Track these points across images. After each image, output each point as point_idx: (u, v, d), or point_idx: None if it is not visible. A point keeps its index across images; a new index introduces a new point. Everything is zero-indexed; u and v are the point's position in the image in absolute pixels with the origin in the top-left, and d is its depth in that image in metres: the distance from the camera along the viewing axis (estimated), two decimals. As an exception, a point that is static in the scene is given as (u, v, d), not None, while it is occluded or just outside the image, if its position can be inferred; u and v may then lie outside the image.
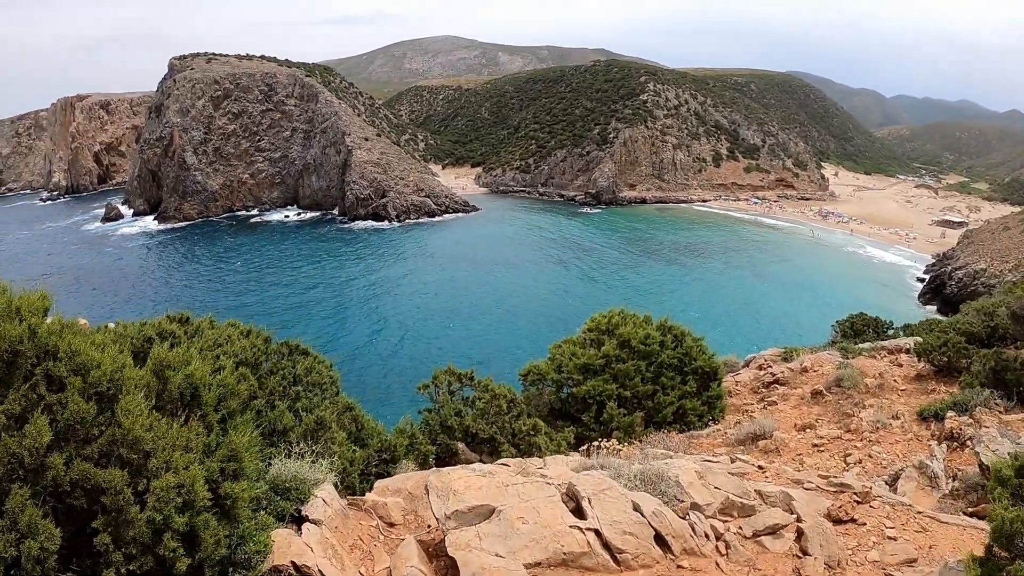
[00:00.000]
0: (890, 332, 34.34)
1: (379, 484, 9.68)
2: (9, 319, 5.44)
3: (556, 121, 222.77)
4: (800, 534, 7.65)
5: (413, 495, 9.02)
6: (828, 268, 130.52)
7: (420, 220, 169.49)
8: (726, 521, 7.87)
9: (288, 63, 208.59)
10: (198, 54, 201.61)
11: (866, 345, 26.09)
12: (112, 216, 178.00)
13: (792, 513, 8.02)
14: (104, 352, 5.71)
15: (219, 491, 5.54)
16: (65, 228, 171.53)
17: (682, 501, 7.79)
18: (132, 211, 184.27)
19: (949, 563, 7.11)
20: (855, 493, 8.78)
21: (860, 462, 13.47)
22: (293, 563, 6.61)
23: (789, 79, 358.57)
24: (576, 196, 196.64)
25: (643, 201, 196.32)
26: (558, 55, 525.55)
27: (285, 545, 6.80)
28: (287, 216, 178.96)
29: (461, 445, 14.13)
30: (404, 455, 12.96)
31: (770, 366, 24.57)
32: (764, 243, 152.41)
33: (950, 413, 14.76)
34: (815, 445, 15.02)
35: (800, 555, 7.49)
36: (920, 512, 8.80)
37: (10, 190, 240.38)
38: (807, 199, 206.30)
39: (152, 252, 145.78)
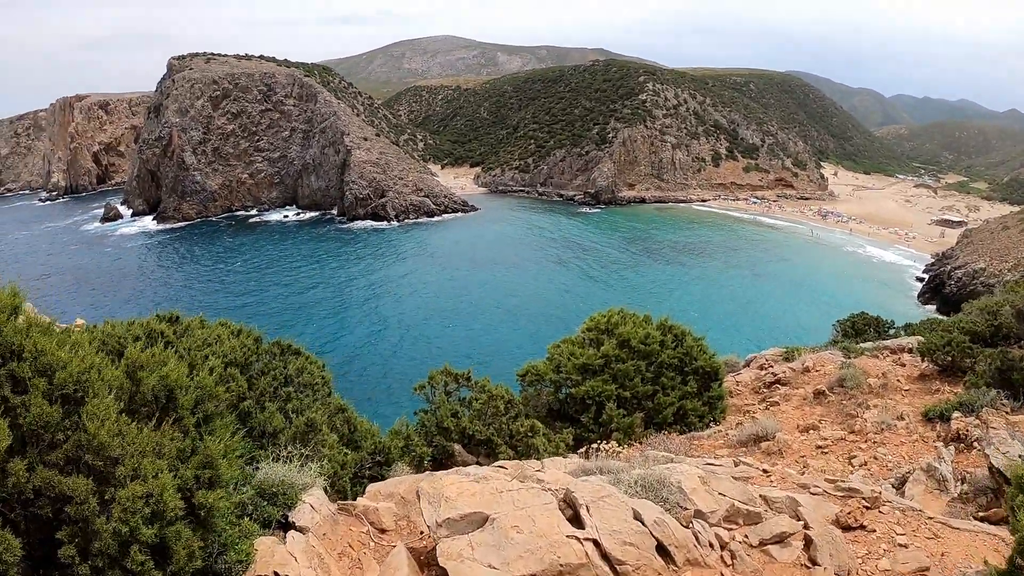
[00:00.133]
0: (891, 332, 34.08)
1: (371, 488, 9.37)
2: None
3: (555, 121, 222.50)
4: (808, 542, 7.29)
5: (406, 500, 8.69)
6: (828, 267, 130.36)
7: (419, 220, 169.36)
8: (731, 529, 7.51)
9: (287, 63, 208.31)
10: (197, 54, 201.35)
11: (868, 345, 25.79)
12: (111, 216, 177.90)
13: (799, 520, 7.67)
14: (75, 352, 5.39)
15: (193, 500, 5.21)
16: (64, 228, 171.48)
17: (685, 508, 7.42)
18: (131, 211, 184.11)
19: (967, 573, 6.78)
20: (864, 498, 8.44)
21: (865, 464, 13.14)
22: (275, 573, 6.30)
23: (788, 79, 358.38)
24: (575, 196, 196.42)
25: (642, 201, 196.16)
26: (557, 55, 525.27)
27: (268, 554, 6.48)
28: (286, 216, 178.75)
29: (458, 447, 13.84)
30: (399, 457, 12.66)
31: (771, 366, 24.27)
32: (763, 243, 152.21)
33: (956, 414, 14.43)
34: (819, 447, 14.69)
35: (809, 565, 7.14)
36: (931, 518, 8.48)
37: (9, 190, 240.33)
38: (806, 199, 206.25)
39: (151, 252, 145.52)
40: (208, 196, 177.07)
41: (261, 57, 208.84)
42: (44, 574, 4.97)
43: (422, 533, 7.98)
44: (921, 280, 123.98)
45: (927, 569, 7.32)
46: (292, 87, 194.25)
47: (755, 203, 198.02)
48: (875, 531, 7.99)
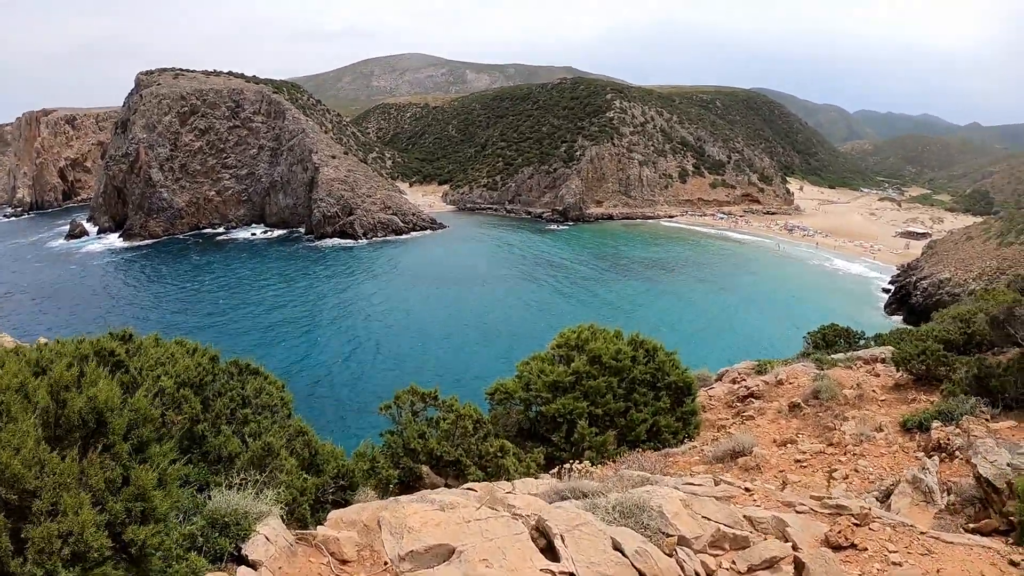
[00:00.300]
0: (861, 342, 34.10)
1: (333, 516, 8.80)
2: None
3: (523, 139, 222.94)
4: (800, 566, 6.80)
5: (368, 527, 8.13)
6: (795, 280, 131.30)
7: (388, 238, 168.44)
8: (717, 555, 7.00)
9: (255, 79, 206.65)
10: (165, 69, 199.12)
11: (840, 356, 25.69)
12: (76, 233, 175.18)
13: (787, 541, 7.22)
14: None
15: (123, 536, 4.64)
16: (28, 245, 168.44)
17: (668, 535, 6.90)
18: (97, 228, 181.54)
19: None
20: (853, 515, 8.03)
21: (847, 477, 12.81)
22: (223, 614, 5.75)
23: (754, 96, 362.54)
24: (543, 213, 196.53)
25: (610, 217, 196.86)
26: (525, 73, 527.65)
27: (216, 592, 5.93)
28: (254, 234, 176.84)
29: (426, 468, 13.30)
30: (364, 481, 12.10)
31: (744, 379, 24.03)
32: (731, 257, 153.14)
33: (935, 423, 14.22)
34: (797, 461, 14.36)
35: (800, 590, 6.70)
36: (923, 533, 8.11)
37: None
38: (773, 213, 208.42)
39: (117, 270, 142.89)
40: (175, 213, 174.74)
41: (230, 73, 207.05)
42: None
43: (386, 564, 7.45)
44: (887, 291, 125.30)
45: (923, 589, 6.93)
46: (260, 104, 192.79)
47: (722, 218, 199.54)
48: (867, 549, 7.58)
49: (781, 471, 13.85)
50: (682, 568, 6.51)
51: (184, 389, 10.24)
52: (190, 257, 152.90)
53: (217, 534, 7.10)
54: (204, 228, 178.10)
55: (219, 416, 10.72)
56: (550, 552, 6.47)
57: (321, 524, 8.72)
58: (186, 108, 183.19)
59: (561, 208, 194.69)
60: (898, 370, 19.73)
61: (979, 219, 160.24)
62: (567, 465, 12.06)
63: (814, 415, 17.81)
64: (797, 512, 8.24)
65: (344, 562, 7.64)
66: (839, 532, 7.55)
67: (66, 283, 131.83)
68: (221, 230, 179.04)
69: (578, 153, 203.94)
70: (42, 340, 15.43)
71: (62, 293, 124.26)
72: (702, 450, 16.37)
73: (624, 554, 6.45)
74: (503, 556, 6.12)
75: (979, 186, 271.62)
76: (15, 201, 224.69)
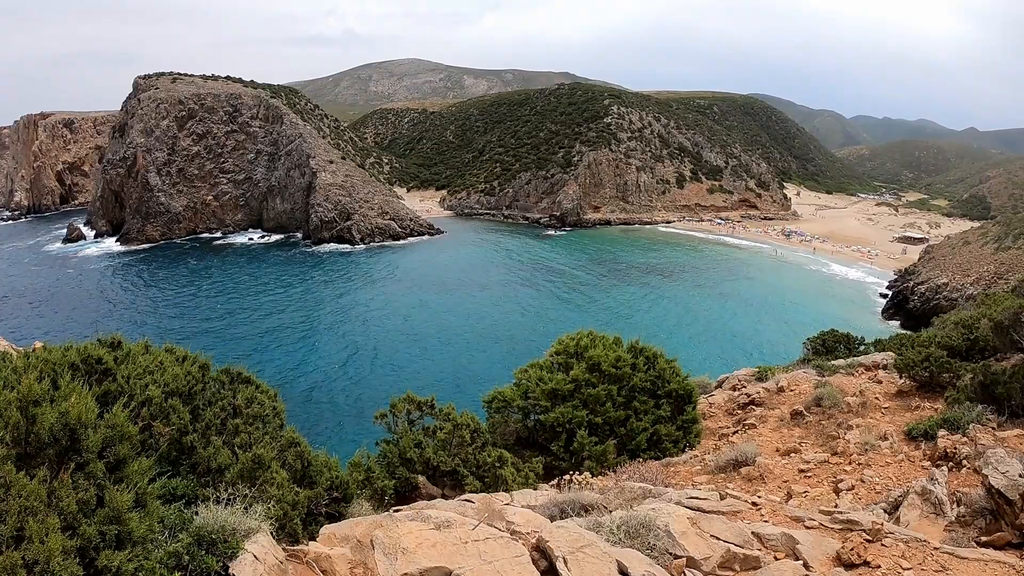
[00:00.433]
0: (861, 348, 33.93)
1: (325, 531, 8.49)
2: None
3: (521, 144, 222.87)
4: (812, 588, 6.56)
5: (362, 543, 7.82)
6: (793, 286, 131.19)
7: (385, 243, 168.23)
8: (727, 578, 6.73)
9: (253, 84, 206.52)
10: (163, 73, 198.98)
11: (841, 362, 25.45)
12: (74, 237, 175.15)
13: (798, 559, 6.92)
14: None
15: (96, 563, 4.35)
16: (26, 249, 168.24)
17: (676, 556, 6.59)
18: (94, 232, 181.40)
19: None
20: (864, 531, 7.73)
21: (853, 488, 12.50)
22: (207, 640, 5.45)
23: (751, 101, 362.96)
24: (541, 218, 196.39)
25: (608, 223, 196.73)
26: (523, 78, 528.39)
27: (199, 616, 5.63)
28: (251, 239, 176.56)
29: (422, 479, 13.00)
30: (359, 492, 11.79)
31: (744, 386, 23.79)
32: (729, 262, 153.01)
33: (941, 432, 13.91)
34: (802, 471, 14.05)
35: (813, 613, 6.41)
36: (936, 548, 7.82)
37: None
38: (770, 219, 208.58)
39: (114, 275, 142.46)
40: (172, 218, 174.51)
41: (228, 78, 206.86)
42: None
43: (380, 582, 7.14)
44: (885, 296, 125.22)
45: (939, 610, 6.64)
46: (258, 108, 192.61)
47: (719, 224, 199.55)
48: (880, 567, 7.27)
49: (785, 481, 13.56)
50: (691, 593, 6.21)
51: (172, 399, 9.93)
52: (187, 262, 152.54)
53: (203, 552, 6.79)
54: (201, 233, 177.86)
55: (209, 426, 10.40)
56: (552, 575, 6.15)
57: (313, 539, 8.42)
58: (184, 112, 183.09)
59: (559, 213, 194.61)
60: (900, 377, 19.45)
61: (976, 224, 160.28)
62: (567, 477, 11.76)
63: (817, 423, 17.51)
64: (807, 527, 7.94)
65: (336, 580, 7.34)
66: (851, 549, 7.25)
67: (63, 287, 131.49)
68: (218, 235, 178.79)
69: (576, 158, 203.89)
70: (38, 344, 15.15)
71: (59, 297, 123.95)
72: (704, 459, 16.07)
73: (630, 578, 6.08)
74: (502, 581, 5.79)
75: (976, 191, 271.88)
76: (13, 204, 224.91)
